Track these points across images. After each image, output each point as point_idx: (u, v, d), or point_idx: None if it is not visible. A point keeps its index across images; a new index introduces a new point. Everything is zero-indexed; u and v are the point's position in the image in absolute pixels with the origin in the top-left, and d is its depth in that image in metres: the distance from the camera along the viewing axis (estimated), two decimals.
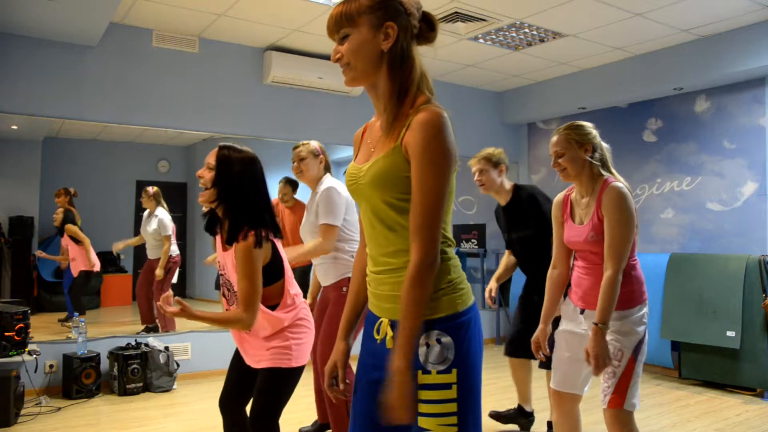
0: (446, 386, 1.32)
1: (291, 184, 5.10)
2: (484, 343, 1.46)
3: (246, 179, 2.14)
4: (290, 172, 5.44)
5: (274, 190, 5.35)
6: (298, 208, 5.00)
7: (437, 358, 1.33)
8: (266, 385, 2.18)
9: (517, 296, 3.70)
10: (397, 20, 1.37)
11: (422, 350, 1.34)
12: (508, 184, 3.49)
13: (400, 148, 1.34)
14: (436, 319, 1.34)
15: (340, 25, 1.39)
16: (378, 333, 1.43)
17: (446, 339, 1.33)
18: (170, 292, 2.27)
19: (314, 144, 3.30)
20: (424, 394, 1.33)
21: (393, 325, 1.38)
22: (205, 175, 2.15)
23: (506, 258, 3.74)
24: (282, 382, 2.18)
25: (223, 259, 2.23)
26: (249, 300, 2.04)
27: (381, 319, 1.43)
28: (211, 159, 2.16)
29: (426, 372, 1.33)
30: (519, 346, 3.53)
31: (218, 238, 2.26)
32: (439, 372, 1.32)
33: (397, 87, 1.37)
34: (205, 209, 2.25)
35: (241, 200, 2.13)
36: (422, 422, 1.33)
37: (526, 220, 3.41)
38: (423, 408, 1.33)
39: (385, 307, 1.42)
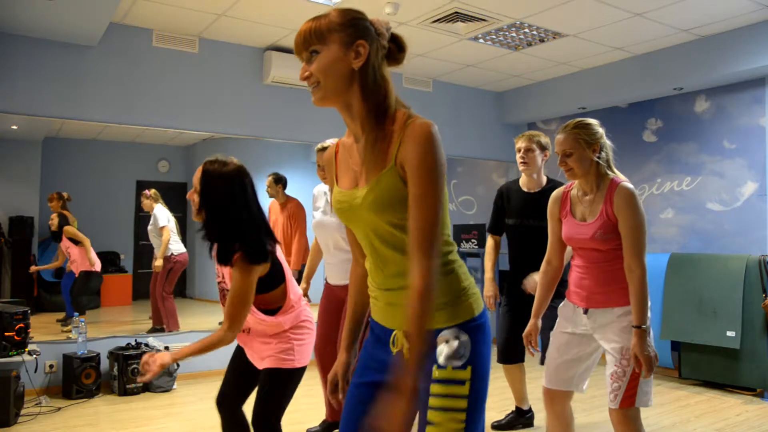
0: (460, 382, 1.33)
1: (280, 182, 5.08)
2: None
3: (232, 198, 2.08)
4: (286, 171, 5.44)
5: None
6: (289, 204, 4.98)
7: (455, 354, 1.34)
8: (269, 385, 2.18)
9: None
10: (367, 39, 1.35)
11: (440, 347, 1.35)
12: (544, 175, 3.51)
13: (395, 167, 1.31)
14: (456, 325, 1.36)
15: (309, 42, 1.34)
16: (394, 345, 1.41)
17: (464, 337, 1.35)
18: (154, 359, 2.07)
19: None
20: (437, 389, 1.34)
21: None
22: (194, 198, 2.11)
23: (491, 251, 3.62)
24: (284, 382, 2.19)
25: (220, 269, 2.24)
26: (234, 318, 2.03)
27: (395, 332, 1.41)
28: (196, 180, 2.10)
29: (441, 367, 1.34)
30: (511, 353, 3.53)
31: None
32: (455, 368, 1.33)
33: (374, 106, 1.35)
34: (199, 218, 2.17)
35: (229, 220, 2.06)
36: (432, 415, 1.33)
37: None
38: (434, 402, 1.33)
39: (401, 319, 1.40)
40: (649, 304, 2.33)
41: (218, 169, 2.08)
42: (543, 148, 3.45)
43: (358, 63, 1.34)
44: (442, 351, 1.34)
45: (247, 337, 2.26)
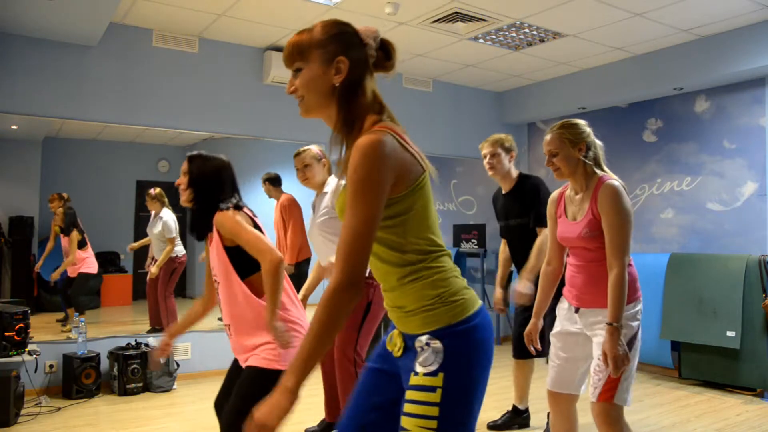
0: (430, 389, 1.31)
1: (270, 182, 5.18)
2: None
3: (216, 177, 2.27)
4: (285, 171, 5.45)
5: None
6: (282, 199, 5.05)
7: (425, 361, 1.33)
8: (247, 383, 2.13)
9: None
10: (349, 53, 1.36)
11: (417, 354, 1.36)
12: (514, 172, 3.56)
13: None
14: (431, 332, 1.35)
15: (293, 58, 1.40)
16: (391, 341, 1.46)
17: (435, 344, 1.33)
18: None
19: (315, 149, 3.34)
20: (410, 394, 1.34)
21: (402, 336, 1.43)
22: (182, 180, 2.28)
23: (503, 253, 3.77)
24: (264, 383, 2.10)
25: (209, 255, 2.29)
26: (260, 250, 2.07)
27: (392, 331, 1.47)
28: (183, 166, 2.30)
29: (415, 373, 1.35)
30: (522, 348, 3.54)
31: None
32: (425, 374, 1.33)
33: (344, 117, 1.38)
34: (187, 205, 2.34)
35: (214, 194, 2.23)
36: (403, 421, 1.34)
37: (525, 208, 3.44)
38: (406, 407, 1.34)
39: (393, 318, 1.47)
40: (641, 306, 2.33)
41: (203, 157, 2.31)
42: (508, 150, 3.52)
43: (338, 79, 1.37)
44: (417, 358, 1.35)
45: (232, 333, 2.24)
